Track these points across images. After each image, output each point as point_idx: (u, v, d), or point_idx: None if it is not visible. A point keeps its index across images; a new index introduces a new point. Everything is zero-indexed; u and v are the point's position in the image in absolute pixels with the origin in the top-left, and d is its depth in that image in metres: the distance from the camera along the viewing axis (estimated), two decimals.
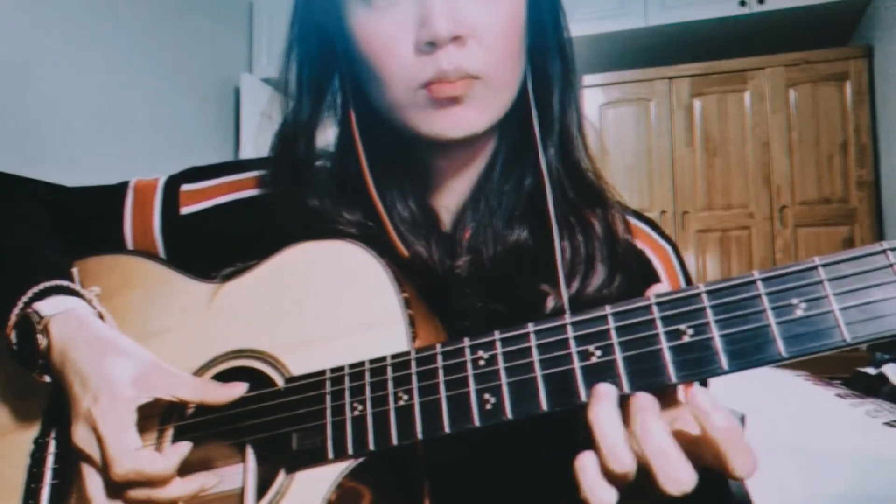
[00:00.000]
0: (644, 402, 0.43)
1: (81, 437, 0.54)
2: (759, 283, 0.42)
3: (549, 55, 0.64)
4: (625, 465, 0.42)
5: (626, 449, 0.42)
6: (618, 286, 0.62)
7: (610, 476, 0.43)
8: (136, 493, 0.53)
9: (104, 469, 0.53)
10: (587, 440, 0.44)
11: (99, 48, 2.67)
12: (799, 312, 0.41)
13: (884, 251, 0.40)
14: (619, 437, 0.42)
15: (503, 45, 0.58)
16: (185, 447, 0.55)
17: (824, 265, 0.41)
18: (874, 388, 1.63)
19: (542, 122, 0.64)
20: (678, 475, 0.41)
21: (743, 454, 0.41)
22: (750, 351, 0.42)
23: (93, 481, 0.54)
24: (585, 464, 0.43)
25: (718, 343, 0.42)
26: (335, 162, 0.68)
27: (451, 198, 0.67)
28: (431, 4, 0.55)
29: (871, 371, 1.76)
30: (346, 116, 0.66)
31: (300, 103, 0.65)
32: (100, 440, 0.53)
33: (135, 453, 0.52)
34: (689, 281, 0.71)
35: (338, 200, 0.64)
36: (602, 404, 0.43)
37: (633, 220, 0.72)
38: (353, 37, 0.59)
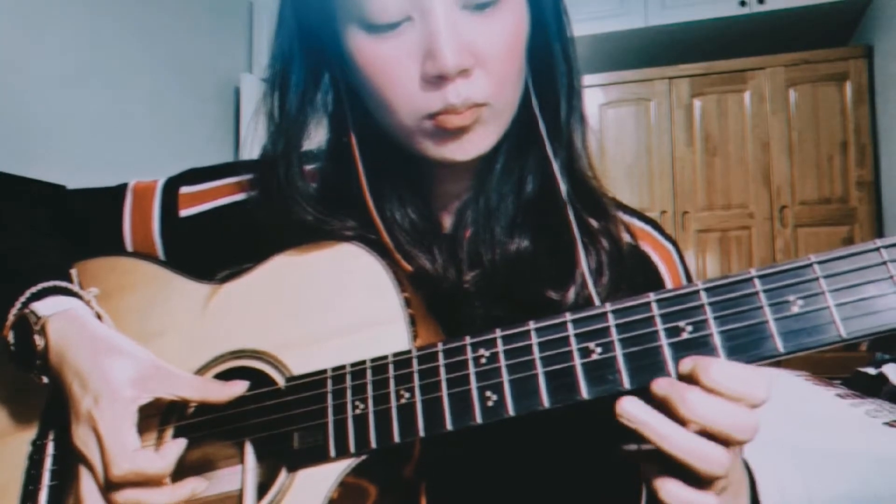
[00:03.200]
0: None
1: (82, 438, 0.54)
2: (757, 281, 0.43)
3: (553, 61, 0.63)
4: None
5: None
6: (621, 296, 0.62)
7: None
8: (129, 496, 0.53)
9: (103, 470, 0.53)
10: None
11: (99, 48, 2.67)
12: (795, 309, 0.41)
13: (877, 249, 0.41)
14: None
15: (508, 68, 0.57)
16: (180, 444, 0.55)
17: (820, 262, 0.41)
18: (874, 388, 1.63)
19: (549, 132, 0.63)
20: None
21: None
22: (748, 347, 0.42)
23: (88, 482, 0.54)
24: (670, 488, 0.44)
25: (717, 339, 0.43)
26: (327, 171, 0.67)
27: (451, 200, 0.67)
28: (437, 36, 0.52)
29: (871, 371, 1.76)
30: (340, 122, 0.64)
31: (285, 102, 0.62)
32: (100, 441, 0.53)
33: (133, 454, 0.52)
34: (690, 281, 0.71)
35: (333, 214, 0.62)
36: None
37: (635, 222, 0.72)
38: (352, 58, 0.57)
